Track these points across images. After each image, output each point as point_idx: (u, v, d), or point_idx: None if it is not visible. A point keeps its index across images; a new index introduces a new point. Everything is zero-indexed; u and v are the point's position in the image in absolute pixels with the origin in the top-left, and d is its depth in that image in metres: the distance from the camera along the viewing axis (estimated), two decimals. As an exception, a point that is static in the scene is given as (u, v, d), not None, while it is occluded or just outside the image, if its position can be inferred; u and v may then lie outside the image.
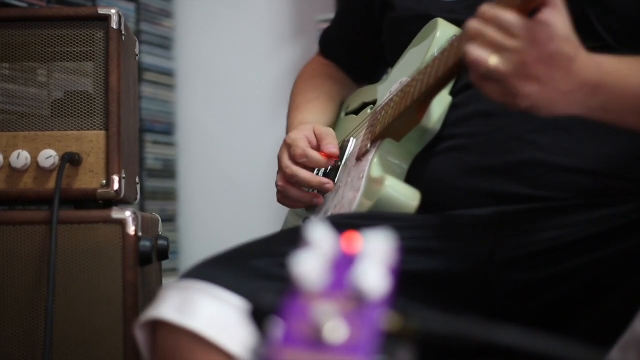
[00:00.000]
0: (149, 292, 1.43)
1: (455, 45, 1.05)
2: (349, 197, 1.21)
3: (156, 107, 2.55)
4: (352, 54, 1.56)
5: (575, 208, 1.08)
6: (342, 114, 1.48)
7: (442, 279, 1.09)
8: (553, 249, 1.07)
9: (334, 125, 1.45)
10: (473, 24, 0.94)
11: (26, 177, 1.41)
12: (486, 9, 0.94)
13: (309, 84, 1.52)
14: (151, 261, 1.42)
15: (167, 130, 2.61)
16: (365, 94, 1.44)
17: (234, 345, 0.95)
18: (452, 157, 1.16)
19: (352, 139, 1.33)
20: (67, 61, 1.45)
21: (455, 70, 1.05)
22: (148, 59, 2.51)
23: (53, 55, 1.44)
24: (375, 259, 0.55)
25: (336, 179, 1.29)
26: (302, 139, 1.29)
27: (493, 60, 0.91)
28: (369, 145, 1.24)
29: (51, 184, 1.39)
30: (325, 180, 1.28)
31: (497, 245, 1.09)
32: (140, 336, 1.05)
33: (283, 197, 1.32)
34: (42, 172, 1.40)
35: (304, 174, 1.28)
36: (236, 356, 0.95)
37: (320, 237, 0.57)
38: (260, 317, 0.81)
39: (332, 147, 1.28)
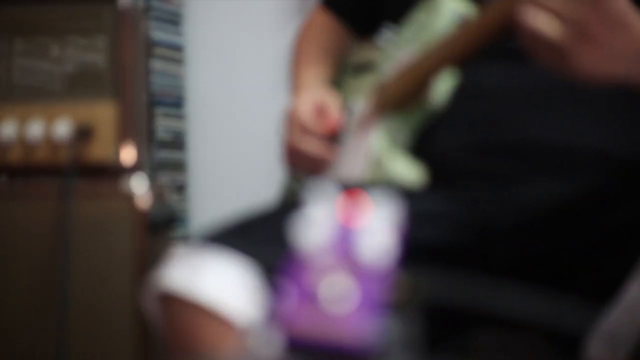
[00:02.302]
0: (159, 260, 1.41)
1: (466, 28, 1.04)
2: (351, 170, 1.21)
3: (166, 81, 2.55)
4: (353, 9, 1.50)
5: (573, 179, 1.09)
6: (343, 71, 1.45)
7: (442, 249, 1.09)
8: (548, 220, 1.08)
9: (335, 82, 1.43)
10: None
11: (39, 149, 1.43)
12: None
13: (311, 41, 1.49)
14: (161, 230, 1.45)
15: (176, 103, 2.61)
16: (367, 53, 1.41)
17: (241, 313, 0.95)
18: (453, 134, 1.15)
19: (354, 102, 1.31)
20: (79, 36, 1.46)
21: (468, 54, 1.04)
22: (157, 35, 2.50)
23: (65, 31, 1.46)
24: (382, 224, 0.55)
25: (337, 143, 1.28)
26: (305, 110, 1.28)
27: (554, 28, 0.87)
28: (372, 115, 1.23)
29: (64, 156, 1.41)
30: (328, 154, 1.26)
31: (493, 216, 1.10)
32: (149, 304, 1.05)
33: (289, 165, 1.32)
34: (55, 144, 1.42)
35: (307, 147, 1.26)
36: (243, 324, 0.94)
37: (324, 204, 0.57)
38: (269, 281, 0.82)
39: (336, 120, 1.27)
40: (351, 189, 1.05)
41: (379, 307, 0.52)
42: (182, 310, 0.99)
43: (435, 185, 1.14)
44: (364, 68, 1.37)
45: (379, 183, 1.15)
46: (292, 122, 1.28)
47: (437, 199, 1.13)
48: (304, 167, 1.29)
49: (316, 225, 0.56)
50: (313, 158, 1.26)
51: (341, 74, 1.45)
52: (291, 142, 1.28)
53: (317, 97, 1.31)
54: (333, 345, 0.51)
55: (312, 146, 1.26)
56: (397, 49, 1.28)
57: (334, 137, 1.28)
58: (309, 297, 0.52)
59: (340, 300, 0.52)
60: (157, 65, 2.49)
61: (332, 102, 1.29)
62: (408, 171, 1.15)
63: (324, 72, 1.41)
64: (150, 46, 2.02)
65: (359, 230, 0.55)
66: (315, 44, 1.48)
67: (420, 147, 1.18)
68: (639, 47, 0.90)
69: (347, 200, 0.57)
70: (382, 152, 1.18)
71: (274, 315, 0.52)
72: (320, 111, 1.28)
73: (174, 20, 2.57)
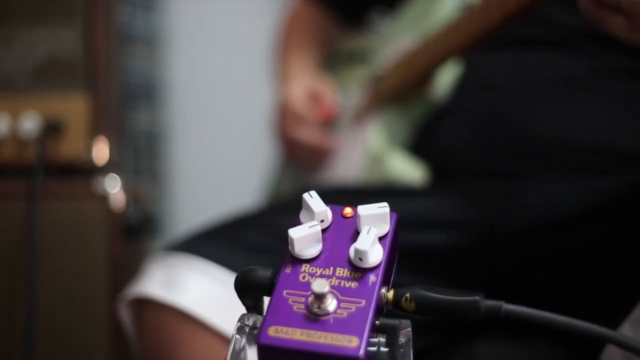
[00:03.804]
0: (136, 266, 1.40)
1: (470, 15, 1.01)
2: (347, 166, 1.21)
3: (142, 72, 2.51)
4: None
5: (578, 179, 1.06)
6: (334, 60, 1.45)
7: (444, 253, 1.08)
8: (555, 222, 1.05)
9: (325, 69, 1.44)
10: None
11: (6, 146, 1.38)
12: None
13: (296, 28, 1.51)
14: (138, 233, 1.41)
15: (154, 96, 2.57)
16: (360, 41, 1.42)
17: (223, 323, 0.94)
18: (454, 130, 1.14)
19: (348, 93, 1.31)
20: (48, 23, 1.41)
21: (473, 43, 1.01)
22: (134, 22, 2.47)
23: (33, 17, 1.41)
24: (373, 231, 0.54)
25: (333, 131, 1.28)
26: (299, 98, 1.28)
27: None
28: (369, 108, 1.21)
29: (32, 153, 1.36)
30: (332, 143, 1.27)
31: (499, 218, 1.08)
32: (124, 313, 1.04)
33: (293, 158, 1.32)
34: (22, 140, 1.37)
35: (304, 136, 1.27)
36: (225, 333, 0.94)
37: (318, 208, 0.56)
38: (251, 291, 0.79)
39: (332, 106, 1.27)
40: (346, 195, 1.05)
41: (369, 313, 0.51)
42: (159, 317, 0.98)
43: (437, 184, 1.13)
44: (357, 57, 1.37)
45: (378, 181, 1.13)
46: (286, 112, 1.29)
47: (439, 199, 1.11)
48: (302, 157, 1.30)
49: (307, 228, 0.55)
50: (311, 147, 1.27)
51: (332, 62, 1.44)
52: (287, 132, 1.29)
53: (308, 83, 1.30)
54: (322, 351, 0.50)
55: (309, 135, 1.26)
56: (395, 37, 1.26)
57: (330, 124, 1.29)
58: (295, 303, 0.52)
59: (327, 306, 0.52)
60: (133, 55, 2.44)
61: (324, 87, 1.30)
62: (408, 169, 1.13)
63: (313, 58, 1.43)
64: (126, 34, 1.99)
65: (350, 236, 0.56)
66: (301, 31, 1.49)
67: (421, 144, 1.17)
68: None
69: (340, 207, 0.58)
70: (380, 149, 1.16)
71: (256, 323, 0.53)
72: (314, 98, 1.29)
73: (151, 6, 2.53)
